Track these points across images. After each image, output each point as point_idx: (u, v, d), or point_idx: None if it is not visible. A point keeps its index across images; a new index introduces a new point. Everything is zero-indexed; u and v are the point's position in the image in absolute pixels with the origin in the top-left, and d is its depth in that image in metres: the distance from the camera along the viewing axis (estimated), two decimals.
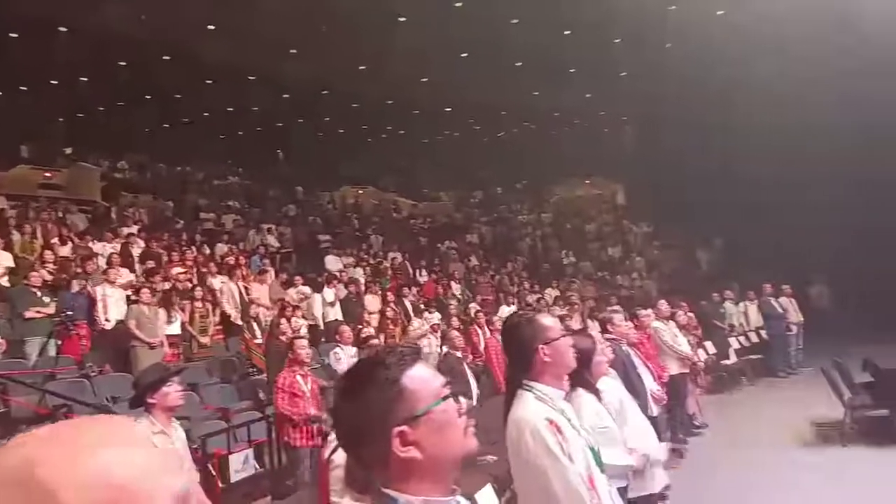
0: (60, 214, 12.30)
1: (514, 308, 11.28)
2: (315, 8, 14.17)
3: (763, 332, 12.33)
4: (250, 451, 5.44)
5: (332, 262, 13.43)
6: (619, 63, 16.93)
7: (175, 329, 8.30)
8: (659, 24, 14.47)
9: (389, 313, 10.23)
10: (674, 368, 7.71)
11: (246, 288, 9.96)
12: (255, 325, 8.81)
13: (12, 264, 8.97)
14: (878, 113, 13.64)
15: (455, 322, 9.72)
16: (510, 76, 17.61)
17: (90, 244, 10.24)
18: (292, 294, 10.39)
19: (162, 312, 8.14)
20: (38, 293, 7.69)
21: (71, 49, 14.31)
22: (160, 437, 3.25)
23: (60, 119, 18.12)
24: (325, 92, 18.71)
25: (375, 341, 7.00)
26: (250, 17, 13.96)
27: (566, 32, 15.65)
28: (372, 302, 10.98)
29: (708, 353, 10.24)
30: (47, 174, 15.35)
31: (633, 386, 4.96)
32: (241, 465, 5.22)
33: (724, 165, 16.79)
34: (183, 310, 8.49)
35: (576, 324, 9.84)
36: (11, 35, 13.99)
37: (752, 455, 6.68)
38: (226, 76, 16.71)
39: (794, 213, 15.64)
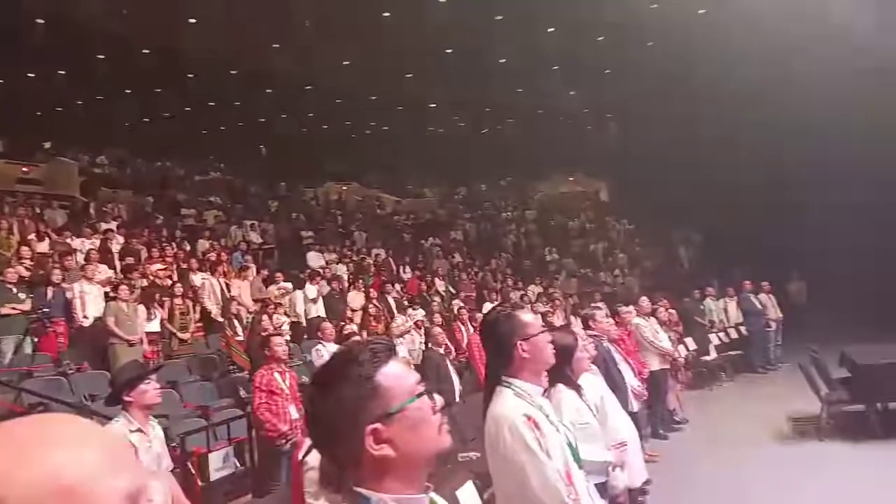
0: (38, 210, 12.11)
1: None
2: (298, 3, 14.09)
3: (742, 329, 12.48)
4: (230, 450, 5.40)
5: (315, 259, 13.36)
6: (603, 61, 17.02)
7: (154, 326, 8.21)
8: (641, 22, 14.57)
9: (372, 310, 10.20)
10: (654, 364, 7.78)
11: (227, 284, 9.88)
12: (236, 322, 8.73)
13: None
14: (858, 111, 13.84)
15: (438, 319, 9.72)
16: (494, 73, 17.63)
17: (68, 240, 10.09)
18: (273, 291, 10.33)
19: (142, 309, 8.05)
20: (14, 289, 7.55)
21: (49, 42, 14.08)
22: (137, 435, 3.22)
23: (38, 113, 17.83)
24: (308, 87, 18.61)
25: (357, 338, 6.97)
26: (232, 11, 13.84)
27: (549, 30, 15.70)
28: (355, 299, 10.95)
29: (688, 350, 10.33)
30: (25, 169, 15.08)
31: (614, 382, 5.01)
32: (220, 463, 5.17)
33: (706, 163, 16.95)
34: (162, 306, 8.40)
35: (558, 320, 9.89)
36: None
37: (732, 450, 6.75)
38: (207, 70, 16.56)
39: (774, 211, 15.84)
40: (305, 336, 9.82)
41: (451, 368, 7.26)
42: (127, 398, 3.32)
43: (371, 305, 10.37)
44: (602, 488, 2.68)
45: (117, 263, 9.72)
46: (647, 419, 7.09)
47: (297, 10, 14.37)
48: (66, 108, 18.25)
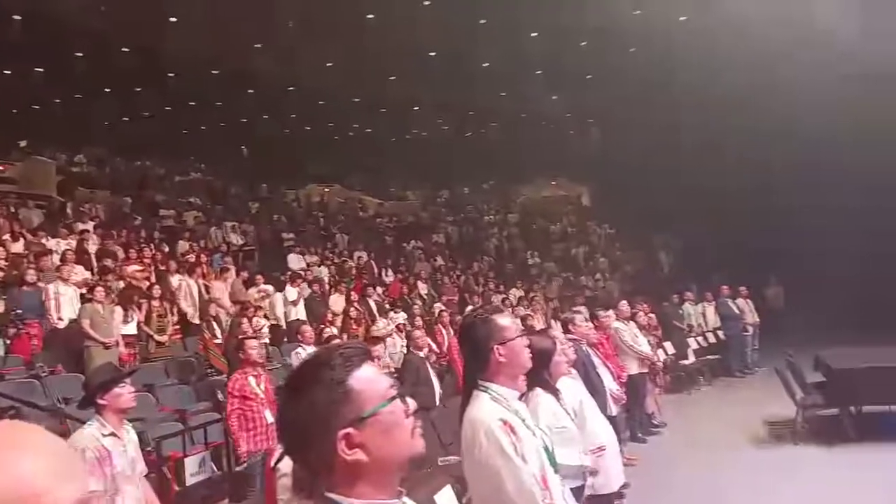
0: (13, 209, 11.89)
1: None
2: (281, 3, 14.00)
3: (720, 333, 12.62)
4: (207, 454, 5.33)
5: (295, 261, 13.28)
6: (585, 66, 17.13)
7: (131, 329, 8.10)
8: (624, 28, 14.70)
9: (353, 313, 10.16)
10: (633, 368, 7.84)
11: (206, 286, 9.77)
12: (214, 324, 8.64)
13: None
14: (841, 117, 14.08)
15: (419, 322, 9.71)
16: (478, 76, 17.67)
17: (43, 240, 9.92)
18: (253, 293, 10.24)
19: (118, 311, 7.94)
20: None
21: (26, 38, 13.85)
22: (110, 439, 3.16)
23: (14, 111, 17.52)
24: (291, 88, 18.50)
25: (338, 341, 6.93)
26: (214, 10, 13.72)
27: (533, 34, 15.77)
28: (336, 302, 10.90)
29: (667, 354, 10.43)
30: (0, 167, 14.82)
31: (593, 385, 5.03)
32: (197, 467, 5.11)
33: (686, 169, 17.14)
34: (139, 308, 8.29)
35: (539, 324, 9.92)
36: None
37: (709, 454, 6.81)
38: (188, 70, 16.39)
39: (753, 217, 16.05)
40: (285, 339, 9.75)
41: (431, 372, 7.24)
42: (101, 401, 3.26)
43: (352, 308, 10.32)
44: (578, 492, 2.69)
45: (94, 264, 9.58)
46: (625, 423, 7.14)
47: (280, 11, 14.27)
48: (43, 105, 17.96)
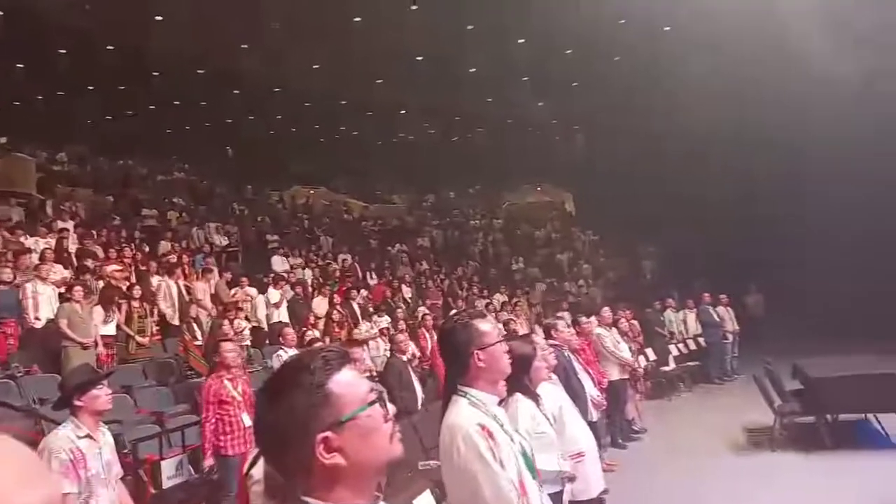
0: None
1: None
2: (268, 4, 13.96)
3: (701, 340, 12.74)
4: (184, 457, 5.27)
5: (279, 263, 13.19)
6: (571, 73, 17.26)
7: (111, 329, 8.00)
8: (609, 37, 14.85)
9: (336, 316, 10.11)
10: (614, 374, 7.89)
11: (188, 287, 9.68)
12: (194, 325, 8.56)
13: None
14: (825, 128, 14.30)
15: (402, 325, 9.69)
16: (465, 82, 17.73)
17: (22, 239, 9.77)
18: (238, 293, 10.17)
19: (97, 311, 7.84)
20: None
21: (7, 34, 13.66)
22: (85, 441, 3.12)
23: None
24: (277, 89, 18.43)
25: (320, 344, 6.90)
26: (200, 10, 13.64)
27: (520, 41, 15.86)
28: (320, 304, 10.84)
29: (648, 360, 10.51)
30: None
31: (574, 391, 5.05)
32: (173, 471, 5.04)
33: (670, 177, 17.31)
34: (119, 309, 8.19)
35: (522, 329, 9.95)
36: None
37: (689, 460, 6.86)
38: (173, 69, 16.28)
39: (735, 226, 16.23)
40: (267, 341, 9.69)
41: (413, 376, 7.24)
42: (77, 403, 3.22)
43: (335, 311, 10.28)
44: (557, 498, 2.69)
45: (74, 263, 9.45)
46: (605, 429, 7.19)
47: (267, 12, 14.24)
48: (24, 102, 17.71)
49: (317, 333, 8.85)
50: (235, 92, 18.39)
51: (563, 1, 13.68)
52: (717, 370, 12.35)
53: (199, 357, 7.57)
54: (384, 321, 10.40)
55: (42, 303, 7.76)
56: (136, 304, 8.32)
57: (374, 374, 8.15)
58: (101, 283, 8.61)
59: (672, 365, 11.45)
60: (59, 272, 8.58)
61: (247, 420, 4.89)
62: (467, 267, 18.47)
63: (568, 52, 16.24)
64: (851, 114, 13.39)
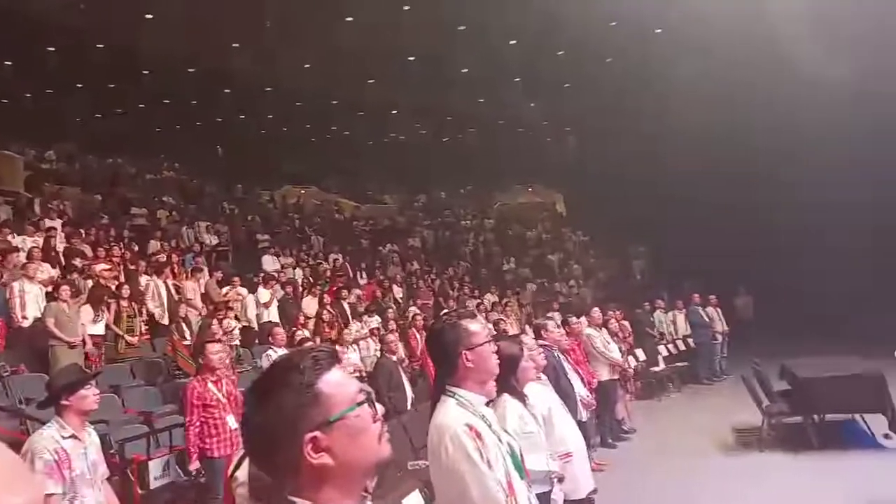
0: None
1: None
2: (259, 3, 13.90)
3: (690, 341, 12.81)
4: (172, 457, 5.23)
5: (270, 263, 13.15)
6: (563, 74, 17.31)
7: (99, 329, 7.94)
8: (600, 39, 14.90)
9: (326, 316, 10.09)
10: (604, 375, 7.92)
11: (177, 287, 9.63)
12: (183, 325, 8.51)
13: None
14: (810, 132, 14.40)
15: (392, 325, 9.68)
16: (456, 82, 17.73)
17: (9, 237, 9.67)
18: (230, 293, 10.13)
19: (86, 311, 7.78)
20: None
21: None
22: (70, 441, 3.10)
23: None
24: (268, 89, 18.35)
25: (310, 344, 6.87)
26: (191, 9, 13.56)
27: (512, 42, 15.88)
28: (310, 304, 10.81)
29: (638, 360, 10.56)
30: None
31: (564, 391, 5.07)
32: (161, 471, 5.01)
33: (661, 179, 17.39)
34: (108, 308, 8.13)
35: (512, 329, 9.97)
36: None
37: (678, 460, 6.90)
38: (163, 67, 16.16)
39: (725, 228, 16.32)
40: (257, 341, 9.65)
41: (403, 376, 7.23)
42: (65, 402, 3.20)
43: (325, 311, 10.25)
44: (545, 498, 2.70)
45: (62, 262, 9.37)
46: (595, 428, 7.21)
47: (259, 11, 14.18)
48: (12, 100, 17.54)
49: (307, 333, 8.82)
50: (226, 91, 18.28)
51: (555, 2, 13.71)
52: (706, 371, 12.43)
53: (188, 357, 7.52)
54: (374, 321, 10.39)
55: (29, 302, 7.70)
56: (124, 303, 8.26)
57: (364, 374, 8.15)
58: (89, 283, 8.54)
59: (661, 365, 11.52)
60: (47, 271, 8.51)
61: (232, 422, 4.84)
62: (458, 267, 18.48)
63: (560, 53, 16.28)
64: (841, 116, 13.48)
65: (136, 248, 11.49)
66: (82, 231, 11.05)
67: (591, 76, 16.58)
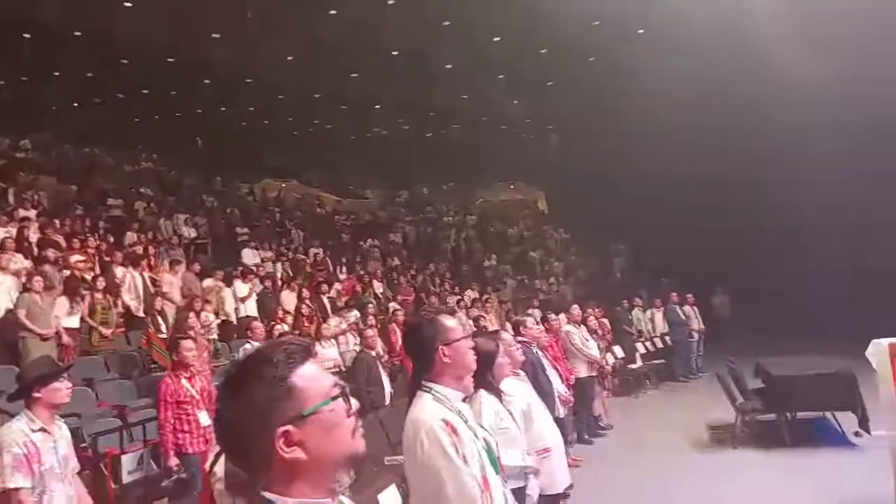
0: None
1: None
2: None
3: (667, 339, 12.95)
4: (146, 451, 5.17)
5: (250, 256, 13.03)
6: (546, 73, 17.35)
7: (74, 322, 7.81)
8: (583, 38, 14.96)
9: (305, 310, 10.03)
10: (582, 371, 7.98)
11: (153, 279, 9.50)
12: (159, 318, 8.40)
13: None
14: (792, 134, 14.59)
15: (371, 320, 9.65)
16: (440, 77, 17.70)
17: None
18: (209, 284, 10.02)
19: (61, 302, 7.64)
20: None
21: None
22: (40, 434, 3.04)
23: None
24: (249, 80, 18.15)
25: (290, 337, 6.81)
26: None
27: (496, 39, 15.88)
28: (288, 298, 10.74)
29: (616, 357, 10.66)
30: None
31: (542, 388, 5.09)
32: (134, 465, 4.95)
33: (642, 178, 17.51)
34: (83, 300, 8.00)
35: (492, 325, 10.00)
36: None
37: (654, 456, 6.99)
38: (142, 57, 15.91)
39: (704, 228, 16.49)
40: (235, 335, 9.57)
41: (382, 371, 7.21)
42: (36, 395, 3.15)
43: (304, 306, 10.19)
44: (520, 493, 2.71)
45: (35, 252, 9.19)
46: (572, 425, 7.26)
47: (240, 1, 14.03)
48: None
49: (286, 327, 8.76)
50: (206, 82, 18.06)
51: (539, 0, 13.73)
52: (683, 368, 12.58)
53: (163, 350, 7.43)
54: (353, 316, 10.34)
55: (0, 293, 7.55)
56: (99, 295, 8.13)
57: (343, 369, 8.12)
58: (65, 274, 8.39)
59: (639, 363, 11.64)
60: (20, 262, 8.35)
61: (204, 419, 4.80)
62: (439, 263, 18.48)
63: (542, 51, 16.32)
64: (821, 118, 13.61)
65: (112, 240, 11.30)
66: (57, 222, 10.85)
67: (573, 75, 16.66)
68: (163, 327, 8.36)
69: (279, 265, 13.23)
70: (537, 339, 5.96)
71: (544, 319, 7.65)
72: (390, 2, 14.53)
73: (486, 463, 1.99)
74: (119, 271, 9.25)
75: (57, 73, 16.77)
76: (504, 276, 18.78)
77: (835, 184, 13.67)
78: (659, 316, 13.37)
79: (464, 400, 2.13)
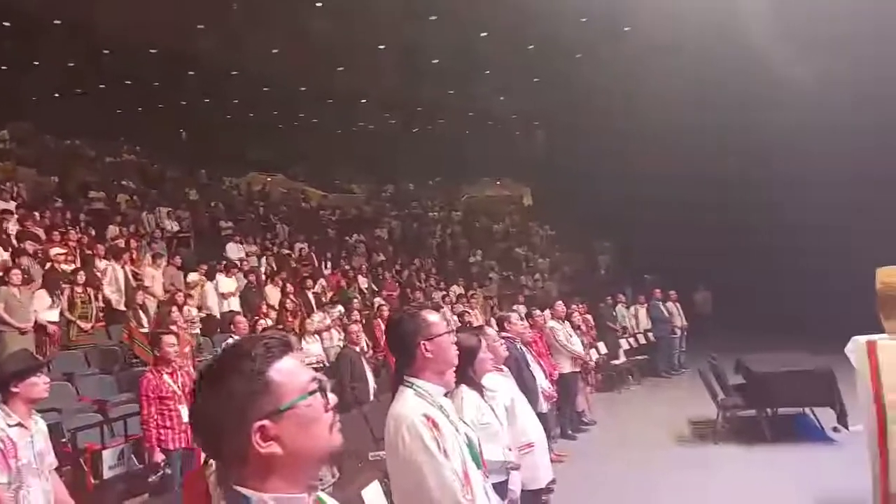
0: None
1: None
2: None
3: (650, 335, 13.05)
4: (127, 447, 5.12)
5: (234, 251, 12.93)
6: (533, 69, 17.36)
7: (53, 315, 7.70)
8: (570, 34, 14.97)
9: (289, 305, 9.98)
10: (566, 367, 8.01)
11: (135, 273, 9.39)
12: (141, 312, 8.31)
13: None
14: (780, 134, 14.70)
15: (356, 315, 9.62)
16: (427, 73, 17.65)
17: None
18: (193, 278, 9.93)
19: (41, 295, 7.53)
20: None
21: None
22: (16, 429, 3.00)
23: None
24: (234, 73, 17.98)
25: (274, 331, 6.76)
26: None
27: (483, 34, 15.86)
28: (272, 293, 10.68)
29: (599, 353, 10.72)
30: None
31: (525, 383, 5.11)
32: (115, 460, 4.90)
33: (628, 176, 17.60)
34: (62, 294, 7.89)
35: (476, 321, 10.01)
36: None
37: (637, 451, 7.04)
38: (125, 47, 15.71)
39: (689, 226, 16.62)
40: (219, 330, 9.50)
41: (366, 366, 7.19)
42: (13, 389, 3.10)
43: (288, 301, 10.13)
44: (501, 487, 2.72)
45: (15, 245, 9.04)
46: (556, 420, 7.29)
47: None
48: None
49: (270, 322, 8.72)
50: (191, 73, 17.87)
51: None
52: (665, 364, 12.69)
53: (145, 345, 7.35)
54: (337, 311, 10.31)
55: None
56: (79, 289, 8.02)
57: (327, 364, 8.09)
58: (45, 267, 8.27)
59: (622, 359, 11.71)
60: None
61: (186, 414, 4.77)
62: (425, 259, 18.45)
63: (530, 47, 16.33)
64: (811, 117, 13.72)
65: (94, 233, 11.16)
66: (37, 214, 10.68)
67: (560, 71, 16.68)
68: (144, 321, 8.27)
69: (264, 260, 13.14)
70: (521, 335, 5.97)
71: (529, 315, 7.67)
72: None
73: (468, 458, 1.99)
74: (102, 264, 9.14)
75: (37, 63, 16.49)
76: (489, 271, 18.80)
77: (819, 183, 13.80)
78: (642, 312, 13.47)
79: (446, 395, 2.13)
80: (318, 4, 14.62)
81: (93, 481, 4.83)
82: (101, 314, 8.46)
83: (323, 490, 1.32)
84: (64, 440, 4.71)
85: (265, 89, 19.15)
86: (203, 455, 2.63)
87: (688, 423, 8.16)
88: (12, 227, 9.56)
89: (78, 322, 7.89)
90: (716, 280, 16.02)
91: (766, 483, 5.75)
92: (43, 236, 9.43)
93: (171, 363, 5.01)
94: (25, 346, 6.35)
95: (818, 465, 5.99)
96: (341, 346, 8.33)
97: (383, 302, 11.97)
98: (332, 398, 1.19)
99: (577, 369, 8.34)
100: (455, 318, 9.52)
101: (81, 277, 8.17)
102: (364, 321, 9.65)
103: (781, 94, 13.65)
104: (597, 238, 21.43)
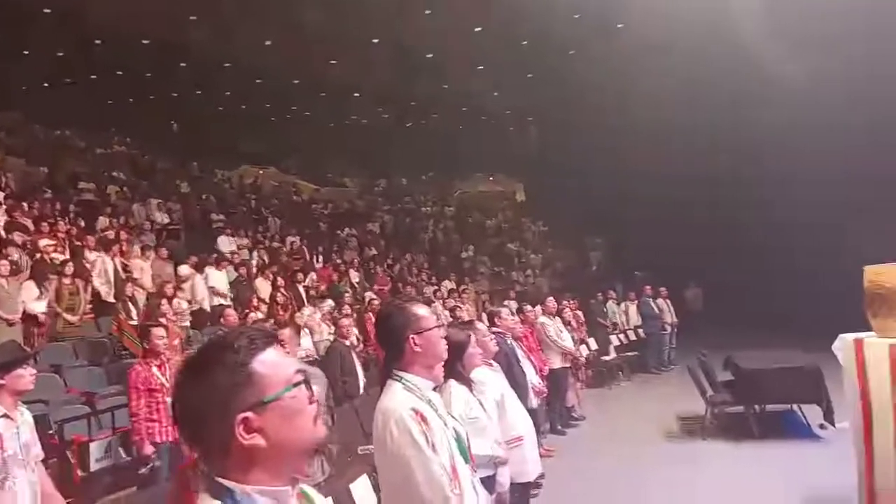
0: None
1: None
2: None
3: (640, 331, 13.11)
4: (114, 439, 5.09)
5: (226, 244, 12.87)
6: (526, 65, 17.34)
7: (41, 307, 7.64)
8: (564, 30, 14.97)
9: (280, 299, 9.95)
10: (556, 363, 8.03)
11: (125, 265, 9.33)
12: (130, 305, 8.26)
13: None
14: (771, 132, 14.75)
15: (347, 309, 9.60)
16: (421, 67, 17.60)
17: None
18: (184, 270, 9.87)
19: (30, 286, 7.47)
20: None
21: None
22: (2, 421, 2.97)
23: None
24: (227, 64, 17.87)
25: (261, 324, 6.76)
26: None
27: (477, 29, 15.83)
28: (262, 286, 10.64)
29: (590, 349, 10.75)
30: None
31: (516, 378, 5.11)
32: (102, 453, 4.88)
33: (620, 173, 17.63)
34: (50, 285, 7.82)
35: (468, 316, 10.01)
36: None
37: (626, 447, 7.07)
38: (116, 38, 15.57)
39: (679, 223, 16.69)
40: (209, 322, 9.45)
41: (356, 360, 7.18)
42: (0, 381, 3.08)
43: (279, 294, 10.10)
44: (489, 481, 2.72)
45: (3, 236, 8.96)
46: (545, 415, 7.31)
47: None
48: None
49: (260, 315, 8.69)
50: (182, 65, 17.74)
51: None
52: (655, 360, 12.75)
53: (134, 337, 7.31)
54: (327, 305, 10.28)
55: None
56: (67, 280, 7.95)
57: (317, 358, 8.07)
58: (33, 258, 8.20)
59: (612, 354, 11.76)
60: None
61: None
62: (417, 254, 18.44)
63: (523, 43, 16.31)
64: (803, 115, 13.76)
65: (84, 224, 11.07)
66: (25, 204, 10.58)
67: (553, 68, 16.69)
68: (133, 314, 8.23)
69: (255, 253, 13.09)
70: (512, 330, 5.98)
71: (520, 311, 7.68)
72: None
73: (456, 452, 1.99)
74: (92, 255, 9.07)
75: (26, 52, 16.34)
76: (481, 266, 18.80)
77: (810, 181, 13.87)
78: (633, 309, 13.52)
79: (434, 389, 2.13)
80: None
81: (80, 473, 4.81)
82: (90, 306, 8.40)
83: (314, 487, 1.31)
84: (51, 432, 4.69)
85: (258, 81, 19.05)
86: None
87: (677, 419, 8.20)
88: (0, 217, 9.48)
89: (64, 314, 7.82)
90: (706, 277, 16.10)
91: (754, 479, 5.79)
92: (31, 227, 9.35)
93: (160, 355, 4.99)
94: (13, 337, 6.31)
95: (805, 462, 6.03)
96: (331, 340, 8.31)
97: (374, 296, 11.94)
98: (317, 390, 1.18)
99: (568, 365, 8.36)
100: (447, 313, 9.52)
101: (70, 269, 8.11)
102: (355, 315, 9.62)
103: (773, 91, 13.68)
104: (588, 234, 21.49)
